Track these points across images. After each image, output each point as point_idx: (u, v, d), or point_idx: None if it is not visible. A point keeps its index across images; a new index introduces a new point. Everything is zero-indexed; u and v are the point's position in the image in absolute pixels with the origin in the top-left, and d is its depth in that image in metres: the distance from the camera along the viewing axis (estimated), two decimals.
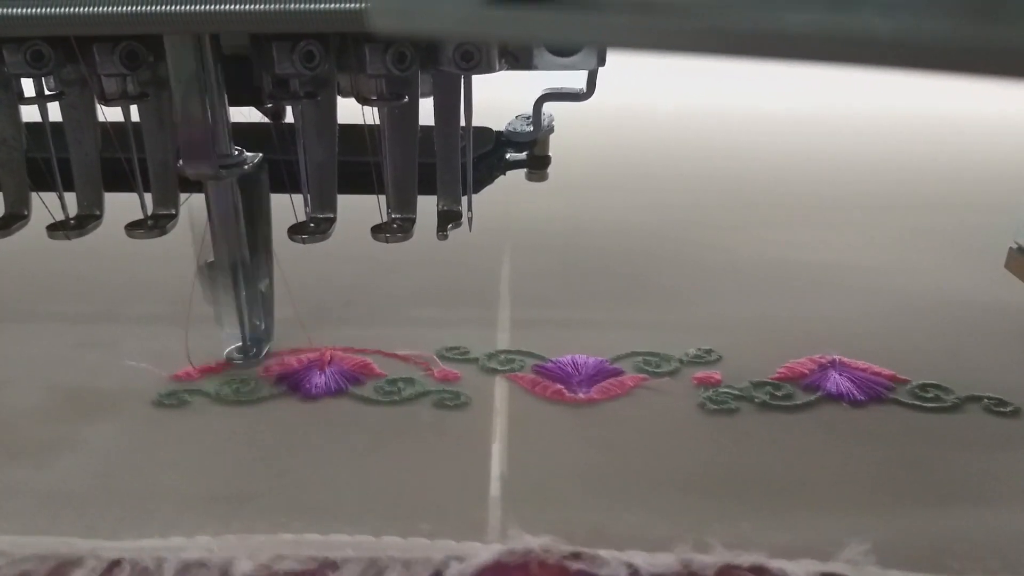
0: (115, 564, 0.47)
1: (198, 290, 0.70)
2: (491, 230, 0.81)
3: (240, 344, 0.71)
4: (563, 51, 0.67)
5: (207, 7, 0.56)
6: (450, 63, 0.61)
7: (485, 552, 0.47)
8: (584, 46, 0.65)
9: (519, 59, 0.66)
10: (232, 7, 0.55)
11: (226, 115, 0.63)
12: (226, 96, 0.62)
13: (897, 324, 0.81)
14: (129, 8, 0.56)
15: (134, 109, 0.63)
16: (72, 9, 0.54)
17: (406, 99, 0.63)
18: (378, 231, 0.66)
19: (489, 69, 0.63)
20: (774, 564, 0.47)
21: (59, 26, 0.55)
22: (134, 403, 0.63)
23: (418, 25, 0.52)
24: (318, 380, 0.65)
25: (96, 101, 0.62)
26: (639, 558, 0.47)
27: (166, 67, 0.61)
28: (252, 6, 0.56)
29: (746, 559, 0.46)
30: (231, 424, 0.61)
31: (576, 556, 0.47)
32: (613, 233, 1.06)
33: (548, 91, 0.71)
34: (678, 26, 0.40)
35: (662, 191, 1.27)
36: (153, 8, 0.56)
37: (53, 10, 0.54)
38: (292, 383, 0.65)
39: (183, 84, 0.60)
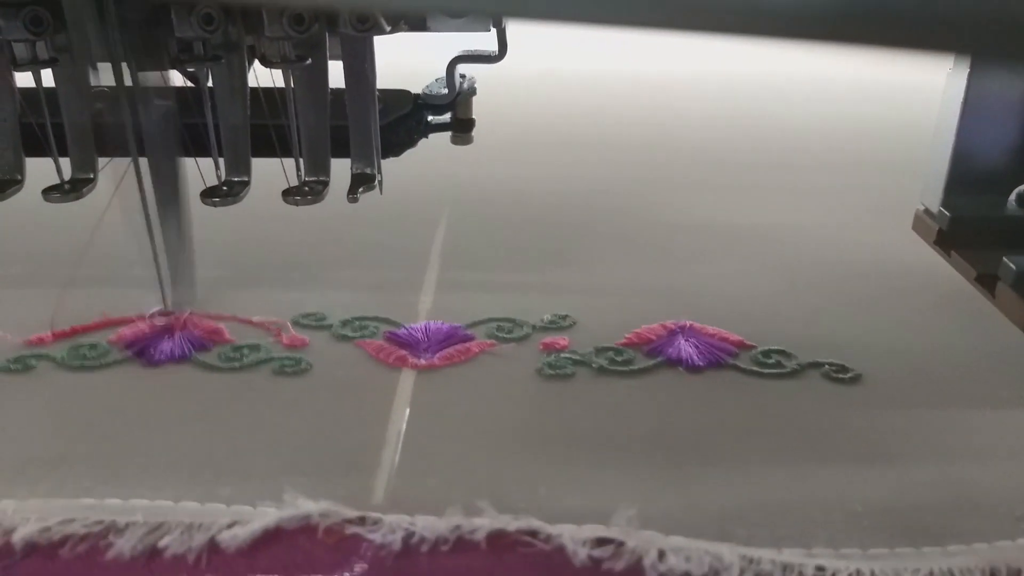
0: None
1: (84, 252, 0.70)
2: (410, 193, 0.82)
3: (161, 308, 0.71)
4: (454, 11, 0.67)
5: None
6: (346, 24, 0.62)
7: (266, 516, 0.48)
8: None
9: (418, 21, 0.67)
10: None
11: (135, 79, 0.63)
12: (135, 60, 0.62)
13: (774, 288, 0.80)
14: None
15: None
16: None
17: (308, 61, 0.64)
18: (288, 194, 0.67)
19: (381, 31, 0.64)
20: (549, 529, 0.47)
21: None
22: None
23: None
24: (164, 346, 0.66)
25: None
26: (422, 522, 0.48)
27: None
28: None
29: (515, 524, 0.47)
30: (69, 389, 0.62)
31: (361, 521, 0.48)
32: (525, 196, 1.05)
33: (462, 53, 0.72)
34: None
35: (578, 154, 1.25)
36: None
37: None
38: (139, 349, 0.66)
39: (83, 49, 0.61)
